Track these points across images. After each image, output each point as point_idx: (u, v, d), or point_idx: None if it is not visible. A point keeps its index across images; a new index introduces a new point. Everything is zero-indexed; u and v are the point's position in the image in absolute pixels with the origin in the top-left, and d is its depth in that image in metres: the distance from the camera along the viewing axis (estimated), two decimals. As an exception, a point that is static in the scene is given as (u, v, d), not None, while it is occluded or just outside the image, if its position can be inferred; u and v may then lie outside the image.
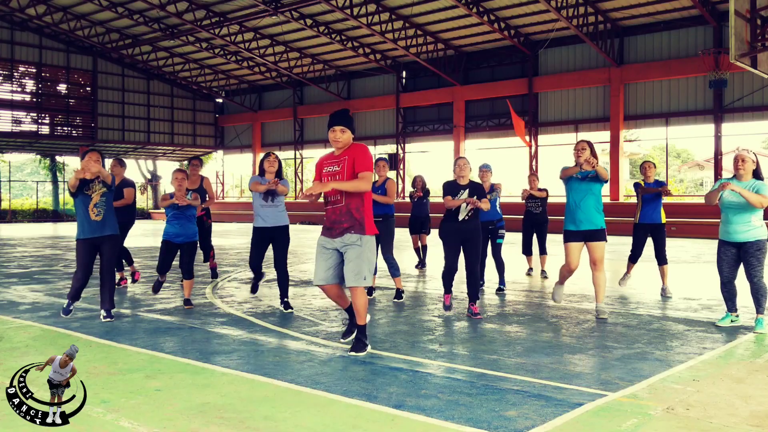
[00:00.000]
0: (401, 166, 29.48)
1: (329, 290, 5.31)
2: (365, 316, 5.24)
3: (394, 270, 7.98)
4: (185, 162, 40.48)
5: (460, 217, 6.79)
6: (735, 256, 6.21)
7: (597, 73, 23.72)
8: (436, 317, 6.92)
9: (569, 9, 21.28)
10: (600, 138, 25.13)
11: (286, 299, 7.32)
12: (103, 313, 6.74)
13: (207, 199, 9.25)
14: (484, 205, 6.72)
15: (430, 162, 45.24)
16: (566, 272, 6.96)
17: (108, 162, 9.59)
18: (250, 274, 10.48)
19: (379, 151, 31.22)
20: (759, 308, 6.17)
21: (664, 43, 22.47)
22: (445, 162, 29.08)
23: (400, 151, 29.51)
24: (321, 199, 5.41)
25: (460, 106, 27.21)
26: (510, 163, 30.70)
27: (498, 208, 8.77)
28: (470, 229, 6.80)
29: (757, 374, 4.68)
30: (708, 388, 4.33)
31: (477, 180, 7.33)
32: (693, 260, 13.11)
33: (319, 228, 5.67)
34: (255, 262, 7.42)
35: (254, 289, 7.80)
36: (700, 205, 20.53)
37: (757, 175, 6.15)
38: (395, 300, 7.93)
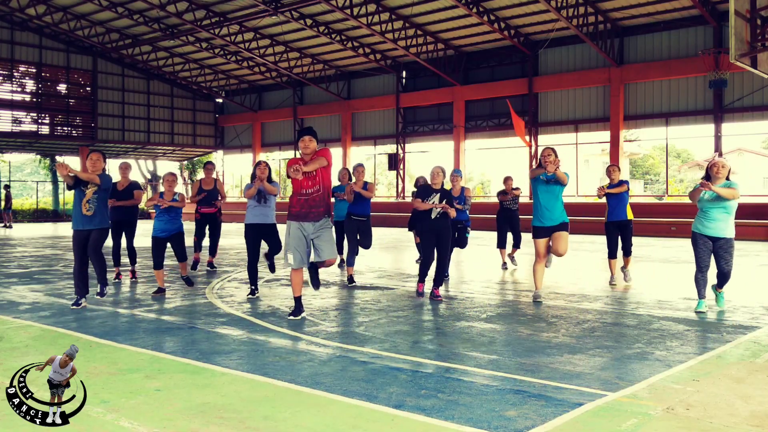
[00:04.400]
0: (401, 166, 29.47)
1: (300, 274, 6.74)
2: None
3: (352, 260, 9.58)
4: (185, 162, 40.55)
5: (433, 216, 7.86)
6: (711, 247, 7.06)
7: (597, 73, 23.72)
8: (436, 317, 6.93)
9: (569, 9, 21.27)
10: (600, 138, 25.15)
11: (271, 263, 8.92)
12: (98, 288, 7.63)
13: (219, 198, 10.57)
14: (452, 212, 7.79)
15: (430, 162, 45.13)
16: (537, 267, 7.79)
17: (114, 164, 10.39)
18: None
19: (379, 151, 31.22)
20: (720, 286, 7.28)
21: (664, 43, 22.46)
22: (445, 162, 29.06)
23: (400, 151, 29.50)
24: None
25: (460, 106, 27.21)
26: (510, 163, 30.69)
27: (467, 211, 9.94)
28: (442, 226, 7.91)
29: (757, 374, 4.68)
30: (708, 388, 4.33)
31: (448, 185, 8.51)
32: (693, 260, 13.08)
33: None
34: (251, 259, 8.25)
35: (254, 290, 8.39)
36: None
37: (727, 178, 7.07)
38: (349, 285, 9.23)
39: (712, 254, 7.08)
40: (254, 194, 8.16)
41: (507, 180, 11.80)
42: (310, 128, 6.76)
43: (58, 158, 36.88)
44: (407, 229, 11.98)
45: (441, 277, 8.05)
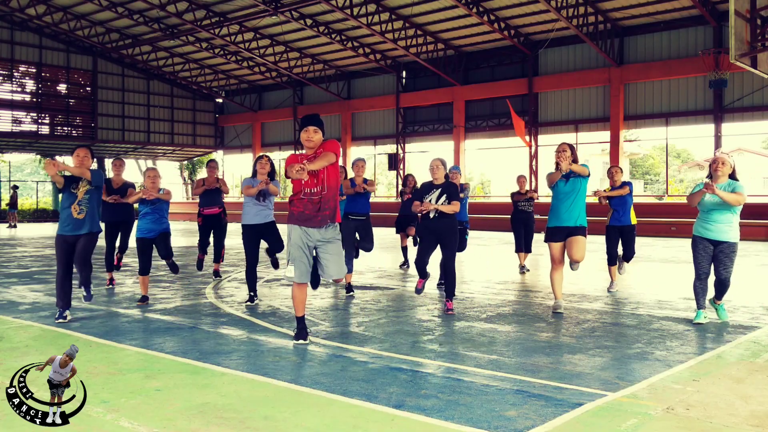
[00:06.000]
0: (401, 166, 29.47)
1: (304, 290, 5.69)
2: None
3: (351, 265, 8.48)
4: (185, 162, 40.54)
5: (431, 215, 7.08)
6: (712, 252, 6.49)
7: (597, 73, 23.72)
8: (436, 317, 6.92)
9: (569, 9, 21.28)
10: (600, 138, 25.16)
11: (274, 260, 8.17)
12: (83, 292, 6.91)
13: (222, 190, 9.83)
14: (444, 208, 6.97)
15: (430, 162, 45.06)
16: (555, 275, 7.17)
17: (108, 162, 10.02)
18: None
19: (379, 151, 31.22)
20: (719, 297, 6.67)
21: (664, 43, 22.47)
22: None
23: (400, 151, 29.51)
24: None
25: (460, 106, 27.21)
26: (510, 163, 30.69)
27: (466, 210, 9.28)
28: (444, 226, 7.07)
29: (757, 374, 4.68)
30: (708, 388, 4.33)
31: (453, 180, 7.47)
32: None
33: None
34: (250, 262, 7.67)
35: (253, 296, 7.81)
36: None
37: (732, 177, 6.48)
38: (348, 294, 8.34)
39: (712, 259, 6.49)
40: (254, 194, 7.61)
41: (520, 179, 11.30)
42: (316, 116, 5.71)
43: (57, 158, 36.87)
44: (395, 231, 11.52)
45: (452, 285, 7.18)
